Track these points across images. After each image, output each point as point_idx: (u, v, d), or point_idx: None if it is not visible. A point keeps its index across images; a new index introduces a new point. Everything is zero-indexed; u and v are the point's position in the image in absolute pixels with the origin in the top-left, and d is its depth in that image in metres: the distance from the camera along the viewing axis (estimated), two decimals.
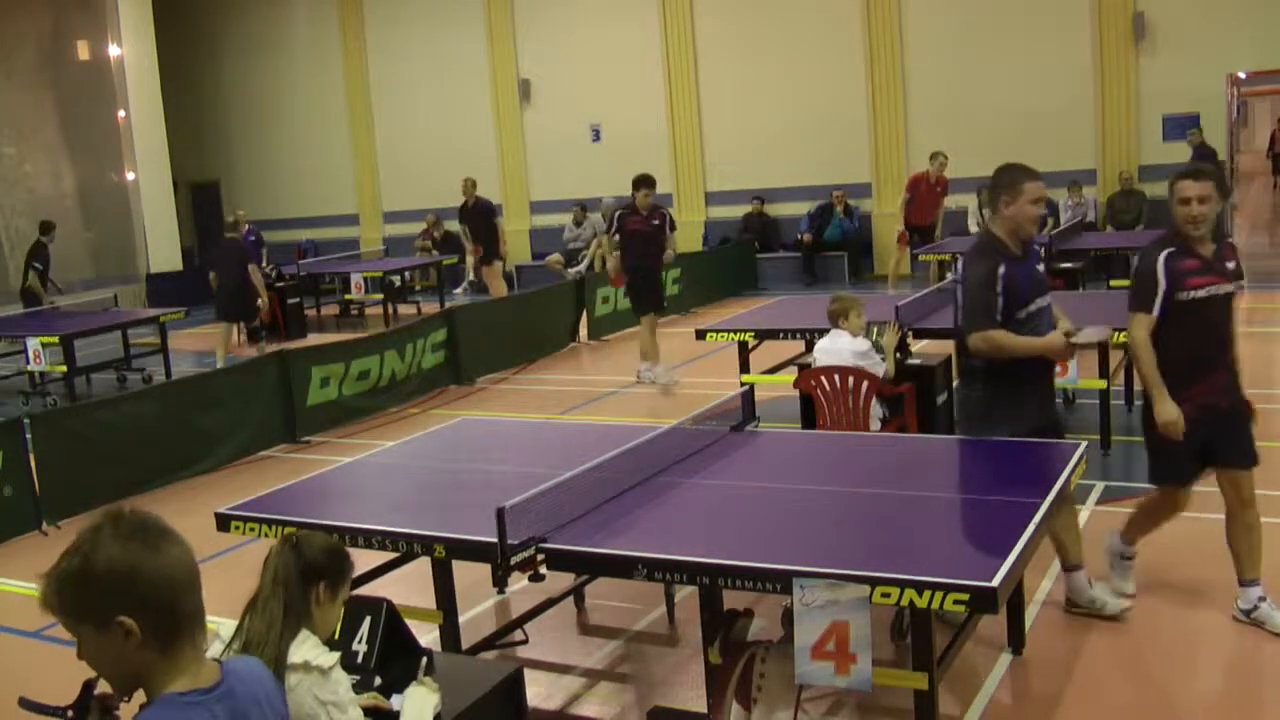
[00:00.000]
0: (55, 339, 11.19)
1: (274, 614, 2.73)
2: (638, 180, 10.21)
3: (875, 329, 6.86)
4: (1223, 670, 4.52)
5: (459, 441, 5.61)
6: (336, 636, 3.24)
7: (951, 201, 15.48)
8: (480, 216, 14.92)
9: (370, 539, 4.12)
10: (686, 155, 17.72)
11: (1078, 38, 14.92)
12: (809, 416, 6.66)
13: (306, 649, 2.71)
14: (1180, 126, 14.59)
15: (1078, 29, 14.91)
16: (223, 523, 4.43)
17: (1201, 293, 4.50)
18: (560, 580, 4.76)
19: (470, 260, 17.58)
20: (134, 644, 1.70)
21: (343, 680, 2.73)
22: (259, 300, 12.88)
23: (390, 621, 3.39)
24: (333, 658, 2.72)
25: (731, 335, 8.42)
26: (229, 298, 12.72)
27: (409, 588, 4.64)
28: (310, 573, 2.81)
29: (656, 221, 10.21)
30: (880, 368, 6.40)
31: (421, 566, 4.54)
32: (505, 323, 11.84)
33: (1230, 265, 4.61)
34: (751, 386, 6.05)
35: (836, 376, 6.28)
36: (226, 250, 13.15)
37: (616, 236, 10.32)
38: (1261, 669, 4.48)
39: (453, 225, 18.51)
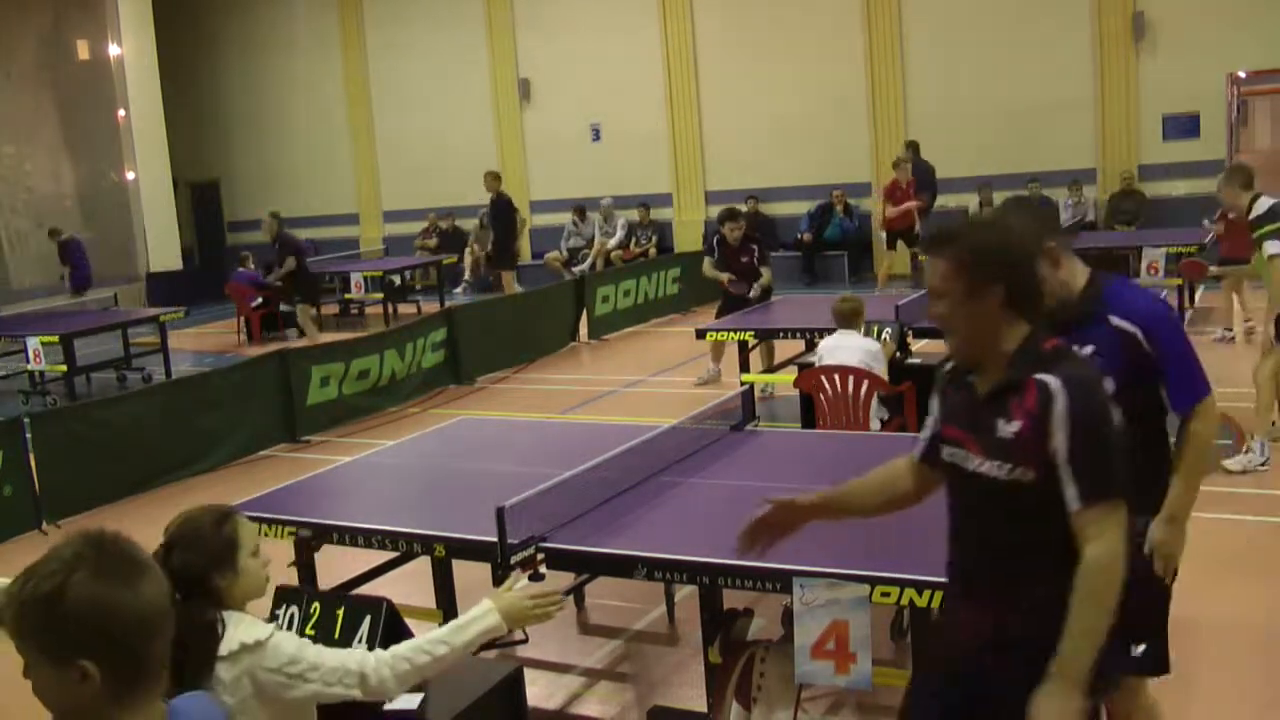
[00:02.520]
0: (55, 338, 11.19)
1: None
2: (721, 216, 9.73)
3: (875, 329, 6.88)
4: (1223, 670, 4.52)
5: (459, 441, 5.61)
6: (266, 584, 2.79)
7: (952, 201, 15.50)
8: (498, 214, 14.65)
9: (370, 538, 4.13)
10: (686, 154, 17.72)
11: (1077, 37, 14.92)
12: (809, 416, 6.66)
13: (241, 632, 2.51)
14: (1181, 126, 14.59)
15: (1077, 28, 14.91)
16: None
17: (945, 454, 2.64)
18: (560, 579, 4.76)
19: (469, 260, 17.63)
20: (90, 689, 1.58)
21: (287, 639, 2.54)
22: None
23: (390, 621, 3.40)
24: (267, 628, 2.54)
25: (731, 335, 8.43)
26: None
27: (409, 587, 4.64)
28: (197, 574, 2.53)
29: (745, 259, 9.47)
30: (884, 376, 6.40)
31: (421, 566, 4.54)
32: (505, 322, 11.83)
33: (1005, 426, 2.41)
34: (751, 386, 6.06)
35: (837, 376, 6.28)
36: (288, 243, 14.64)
37: (718, 259, 9.63)
38: (1264, 668, 4.48)
39: (463, 223, 18.58)
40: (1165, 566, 3.21)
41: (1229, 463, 6.59)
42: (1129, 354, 3.02)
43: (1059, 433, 2.34)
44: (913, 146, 15.09)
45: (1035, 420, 2.36)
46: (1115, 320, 3.05)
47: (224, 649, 2.49)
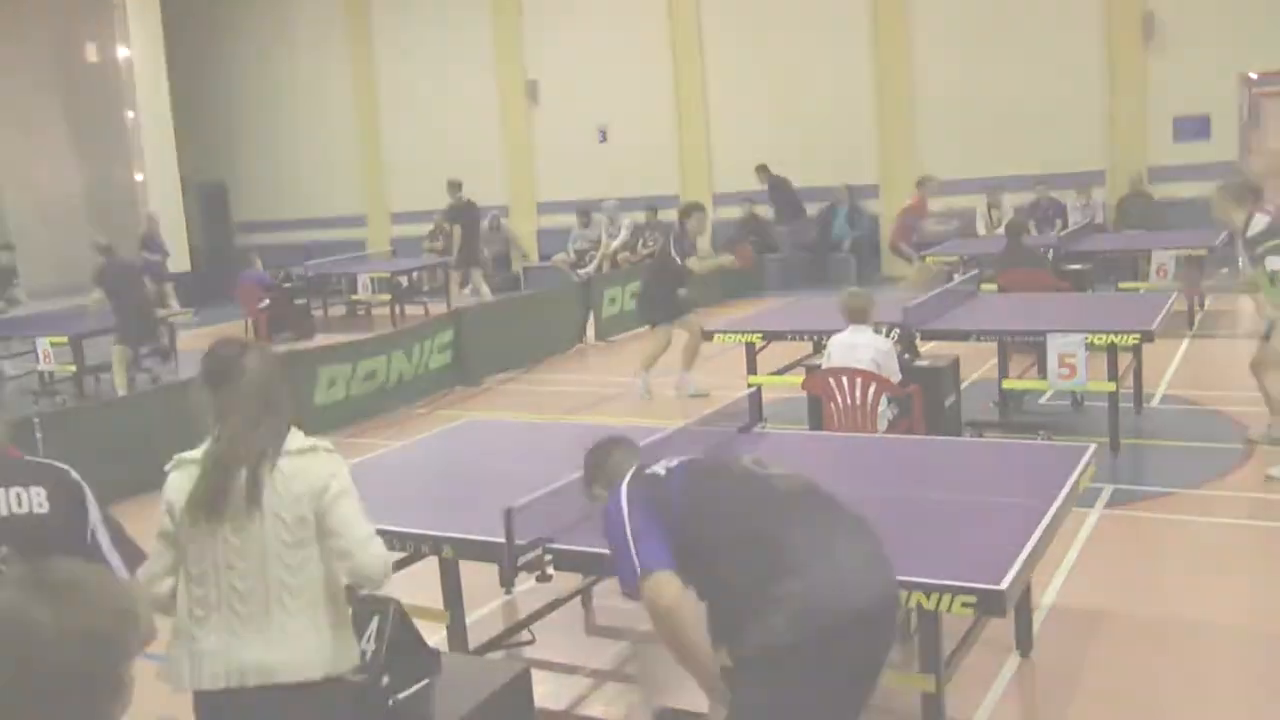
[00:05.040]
0: (64, 339, 11.21)
1: (253, 411, 2.80)
2: (686, 208, 10.07)
3: (883, 329, 6.85)
4: (1230, 674, 4.50)
5: (466, 442, 5.61)
6: None
7: (958, 202, 15.48)
8: (463, 218, 15.30)
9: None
10: (693, 156, 17.72)
11: (1087, 37, 14.88)
12: (816, 418, 6.65)
13: (298, 439, 2.81)
14: (1192, 128, 14.53)
15: (1087, 29, 14.87)
16: None
17: None
18: (568, 580, 4.76)
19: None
20: None
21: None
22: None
23: (398, 621, 3.40)
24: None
25: (739, 336, 8.41)
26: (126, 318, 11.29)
27: (416, 587, 4.63)
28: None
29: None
30: (896, 374, 6.35)
31: (429, 566, 4.54)
32: (512, 323, 11.84)
33: None
34: (759, 388, 6.05)
35: (845, 379, 6.26)
36: (124, 269, 11.79)
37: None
38: (1270, 674, 4.46)
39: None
40: None
41: (1276, 470, 6.50)
42: None
43: None
44: (764, 169, 16.30)
45: None
46: None
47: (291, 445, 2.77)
